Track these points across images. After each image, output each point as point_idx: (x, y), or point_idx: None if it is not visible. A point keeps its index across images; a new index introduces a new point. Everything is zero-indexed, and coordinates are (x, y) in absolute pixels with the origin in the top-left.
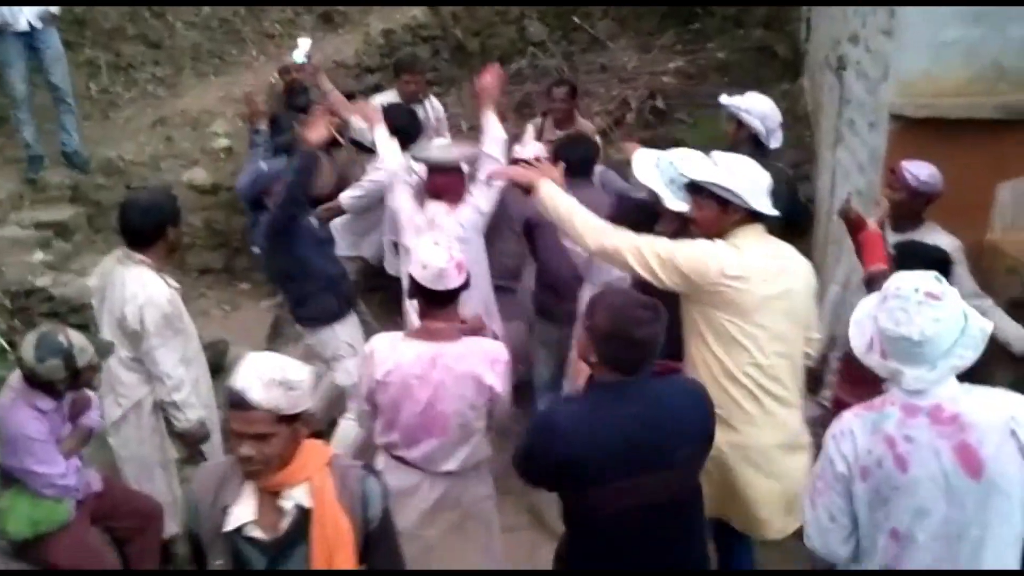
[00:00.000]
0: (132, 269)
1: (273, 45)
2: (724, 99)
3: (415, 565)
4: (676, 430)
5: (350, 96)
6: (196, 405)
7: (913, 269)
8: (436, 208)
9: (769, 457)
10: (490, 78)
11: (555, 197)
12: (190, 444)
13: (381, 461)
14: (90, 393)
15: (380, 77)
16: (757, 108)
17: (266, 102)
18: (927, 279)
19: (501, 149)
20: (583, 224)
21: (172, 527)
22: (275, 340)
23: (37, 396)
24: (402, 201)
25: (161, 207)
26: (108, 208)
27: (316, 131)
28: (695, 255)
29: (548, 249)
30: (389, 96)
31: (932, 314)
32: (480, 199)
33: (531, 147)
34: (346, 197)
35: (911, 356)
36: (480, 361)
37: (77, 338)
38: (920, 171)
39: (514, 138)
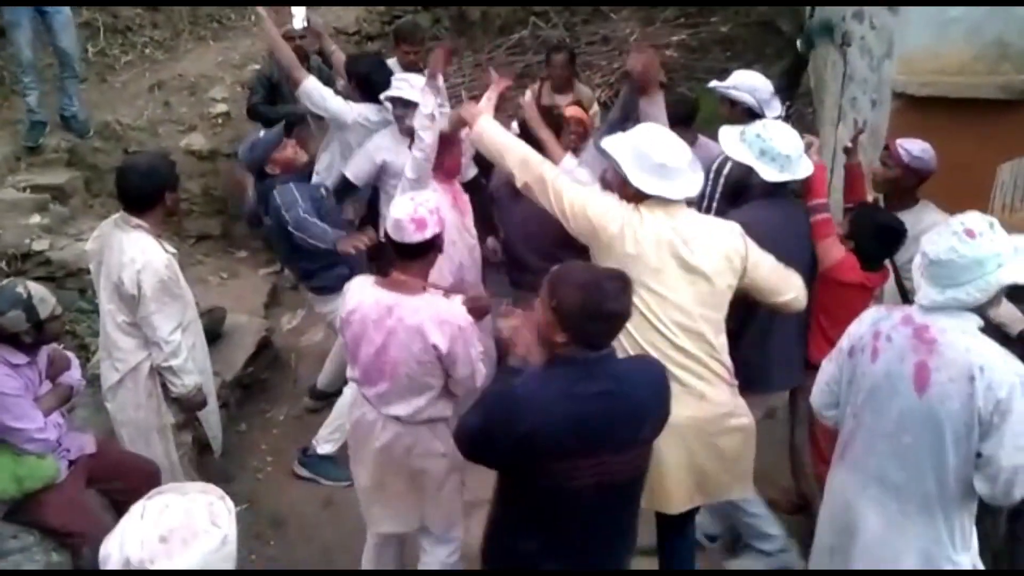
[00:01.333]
0: (130, 234)
1: (272, 11)
2: (712, 84)
3: (369, 500)
4: (641, 408)
5: None
6: (193, 371)
7: (864, 237)
8: None
9: (683, 430)
10: (436, 56)
11: (490, 131)
12: (186, 409)
13: (349, 392)
14: (69, 353)
15: (381, 44)
16: (745, 83)
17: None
18: (980, 220)
19: (427, 123)
20: (512, 159)
21: None
22: (273, 308)
23: (6, 351)
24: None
25: (159, 172)
26: (105, 172)
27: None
28: (602, 209)
29: (508, 224)
30: (389, 65)
31: (956, 245)
32: (407, 168)
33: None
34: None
35: (928, 274)
36: (429, 318)
37: (37, 289)
38: (913, 147)
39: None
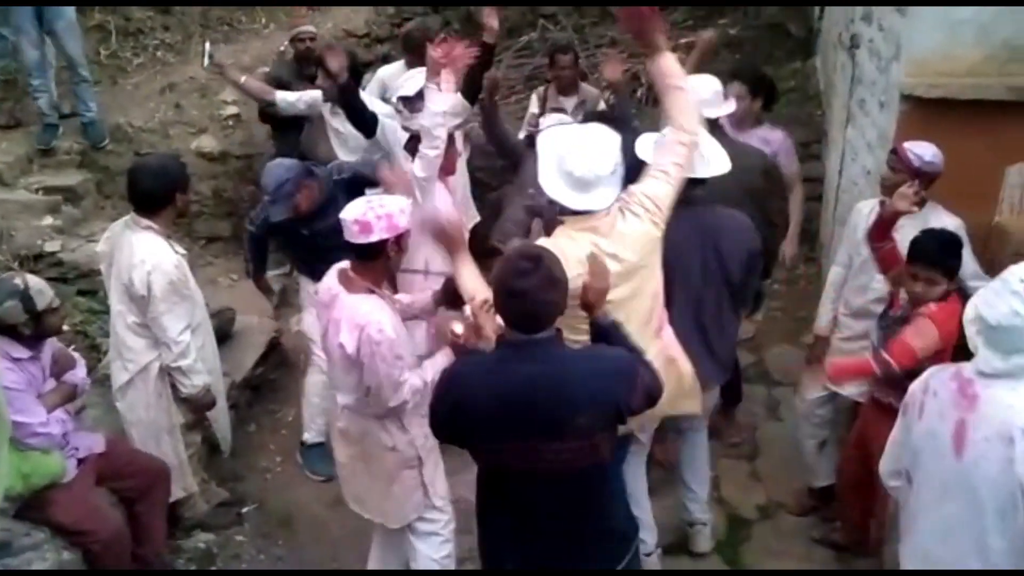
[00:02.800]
0: (140, 234)
1: (283, 13)
2: None
3: (342, 477)
4: (572, 396)
5: (365, 65)
6: (202, 371)
7: (927, 253)
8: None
9: None
10: (438, 52)
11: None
12: (196, 410)
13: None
14: (75, 354)
15: (390, 47)
16: (701, 90)
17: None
18: None
19: (439, 121)
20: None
21: (178, 491)
22: (282, 309)
23: (7, 344)
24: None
25: (169, 173)
26: (117, 174)
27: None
28: None
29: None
30: (397, 68)
31: (1019, 306)
32: (416, 167)
33: (552, 118)
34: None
35: (987, 338)
36: (347, 317)
37: (34, 281)
38: (924, 152)
39: (523, 110)
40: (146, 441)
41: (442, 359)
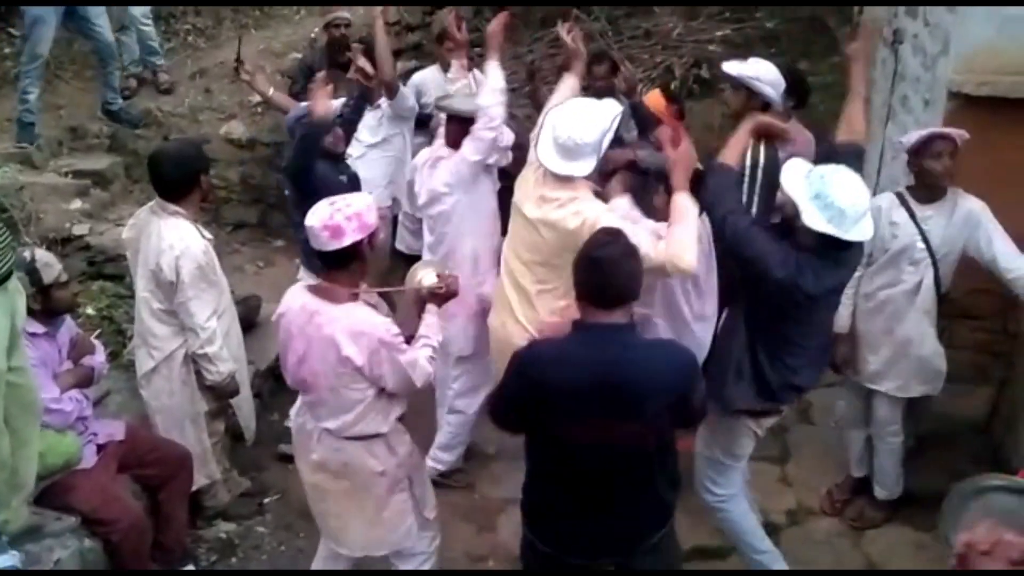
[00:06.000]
0: (168, 220)
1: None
2: (728, 67)
3: (311, 503)
4: (650, 384)
5: (395, 54)
6: (228, 359)
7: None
8: (443, 154)
9: None
10: (497, 24)
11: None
12: (220, 397)
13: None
14: (96, 341)
15: (421, 35)
16: (768, 75)
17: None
18: None
19: (498, 99)
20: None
21: (201, 479)
22: None
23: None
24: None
25: (189, 156)
26: (145, 158)
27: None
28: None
29: None
30: (431, 73)
31: None
32: (468, 149)
33: None
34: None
35: None
36: (343, 329)
37: (42, 254)
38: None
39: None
40: (170, 429)
41: (430, 318)
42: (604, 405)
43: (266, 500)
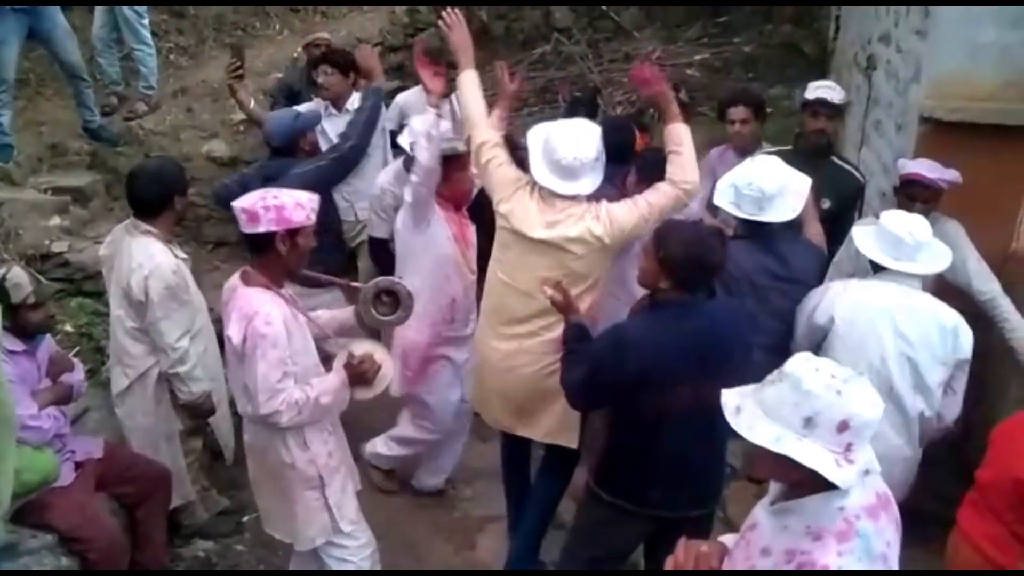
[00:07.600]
0: (139, 239)
1: (298, 20)
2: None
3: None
4: (728, 340)
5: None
6: (202, 378)
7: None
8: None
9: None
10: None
11: (467, 86)
12: (195, 416)
13: None
14: (75, 359)
15: (403, 56)
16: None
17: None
18: None
19: (433, 147)
20: (468, 116)
21: (176, 499)
22: None
23: (3, 337)
24: None
25: (167, 176)
26: (126, 176)
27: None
28: (498, 179)
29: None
30: (413, 95)
31: None
32: (407, 193)
33: None
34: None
35: None
36: (237, 307)
37: (15, 273)
38: (946, 174)
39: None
40: (144, 448)
41: (334, 378)
42: (698, 370)
43: (244, 518)
